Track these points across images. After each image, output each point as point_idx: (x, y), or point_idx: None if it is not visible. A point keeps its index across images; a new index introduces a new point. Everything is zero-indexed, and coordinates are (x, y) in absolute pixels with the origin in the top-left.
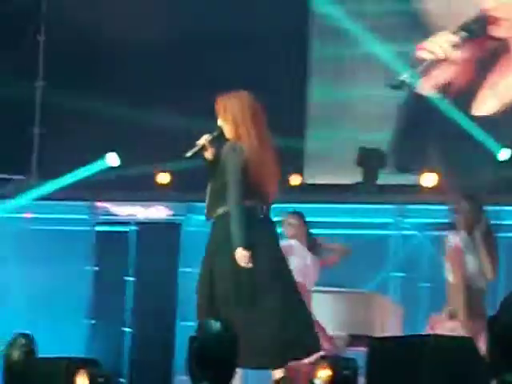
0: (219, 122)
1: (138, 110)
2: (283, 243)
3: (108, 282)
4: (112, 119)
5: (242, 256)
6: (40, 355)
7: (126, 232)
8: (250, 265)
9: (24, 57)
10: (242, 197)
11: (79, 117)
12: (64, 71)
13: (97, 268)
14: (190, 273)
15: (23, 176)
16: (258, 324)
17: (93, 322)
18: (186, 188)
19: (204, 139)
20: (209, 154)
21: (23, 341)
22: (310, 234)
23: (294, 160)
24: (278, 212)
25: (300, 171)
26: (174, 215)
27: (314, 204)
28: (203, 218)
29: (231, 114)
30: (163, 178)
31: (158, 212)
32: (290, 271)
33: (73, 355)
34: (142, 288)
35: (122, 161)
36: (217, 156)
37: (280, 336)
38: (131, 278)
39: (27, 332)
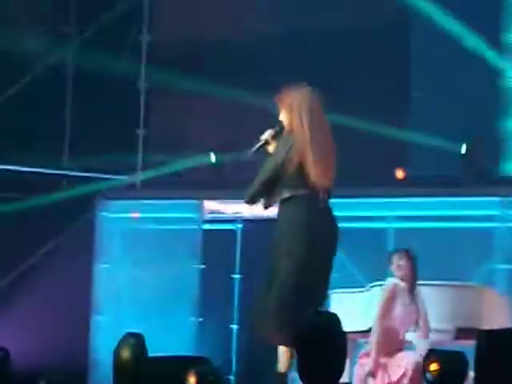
0: (280, 117)
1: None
2: (389, 283)
3: (215, 280)
4: (217, 113)
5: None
6: (150, 354)
7: (232, 230)
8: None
9: (127, 58)
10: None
11: (183, 115)
12: (167, 72)
13: (204, 266)
14: None
15: (129, 176)
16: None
17: (200, 319)
18: None
19: (267, 134)
20: (271, 149)
21: (133, 340)
22: (416, 275)
23: (399, 152)
24: (383, 205)
25: (405, 164)
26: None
27: (418, 198)
28: None
29: (288, 109)
30: None
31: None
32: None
33: (182, 353)
34: (248, 285)
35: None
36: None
37: None
38: (238, 276)
39: (137, 331)
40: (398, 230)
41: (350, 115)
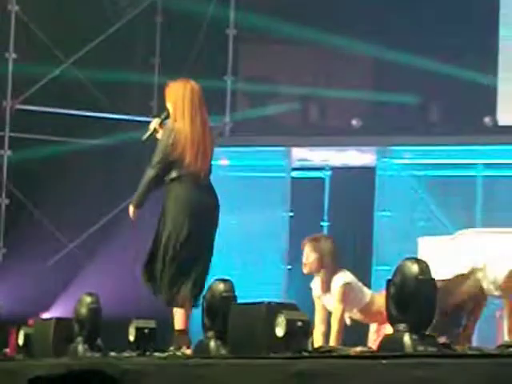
0: (167, 106)
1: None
2: None
3: (303, 228)
4: (305, 59)
5: (130, 212)
6: (239, 301)
7: (320, 177)
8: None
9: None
10: (159, 164)
11: (271, 62)
12: (256, 18)
13: (292, 214)
14: (385, 216)
15: (218, 123)
16: None
17: (289, 267)
18: (379, 132)
19: (154, 123)
20: (159, 135)
21: (223, 286)
22: None
23: (486, 101)
24: (472, 153)
25: (492, 113)
26: (369, 159)
27: (507, 145)
28: (397, 162)
29: (173, 99)
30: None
31: (353, 157)
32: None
33: (271, 300)
34: (337, 233)
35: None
36: None
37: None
38: (326, 223)
39: (226, 278)
40: (486, 178)
41: (438, 62)
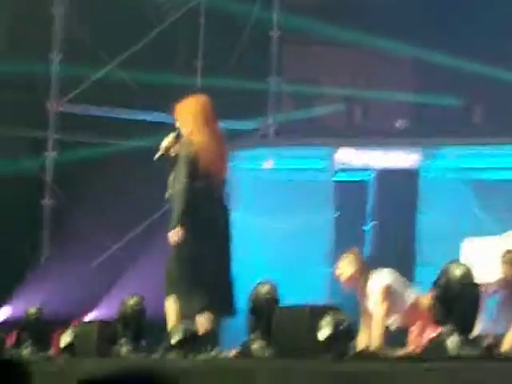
0: (177, 124)
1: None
2: None
3: (347, 230)
4: (349, 60)
5: (173, 234)
6: (282, 303)
7: (364, 179)
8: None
9: (260, 5)
10: (188, 178)
11: (315, 63)
12: (299, 20)
13: (336, 215)
14: (428, 218)
15: (261, 125)
16: None
17: (333, 269)
18: (423, 134)
19: (166, 141)
20: (173, 152)
21: (267, 289)
22: None
23: None
24: None
25: None
26: (413, 161)
27: None
28: (441, 164)
29: (187, 115)
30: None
31: (397, 158)
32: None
33: (314, 303)
34: (381, 234)
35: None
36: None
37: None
38: (370, 225)
39: (271, 280)
40: None
41: (483, 64)
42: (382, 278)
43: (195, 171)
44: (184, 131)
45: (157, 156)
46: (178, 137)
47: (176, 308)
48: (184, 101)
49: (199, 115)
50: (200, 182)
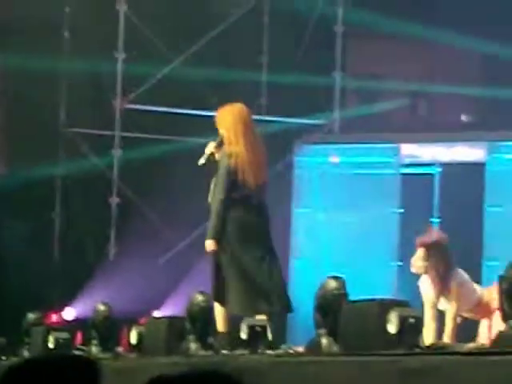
0: (220, 132)
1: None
2: None
3: (414, 224)
4: (414, 55)
5: (207, 245)
6: (350, 297)
7: (430, 173)
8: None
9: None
10: (226, 193)
11: (380, 58)
12: (364, 14)
13: (402, 210)
14: (495, 212)
15: (327, 121)
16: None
17: (400, 263)
18: (489, 128)
19: (211, 147)
20: (218, 156)
21: (335, 283)
22: None
23: None
24: None
25: None
26: (479, 155)
27: None
28: (507, 157)
29: (225, 126)
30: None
31: (463, 152)
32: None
33: (382, 297)
34: (447, 228)
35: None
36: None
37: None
38: (436, 219)
39: (338, 275)
40: None
41: None
42: (458, 276)
43: (234, 183)
44: (225, 139)
45: (201, 161)
46: (221, 143)
47: (224, 313)
48: (222, 110)
49: (237, 125)
50: (238, 192)
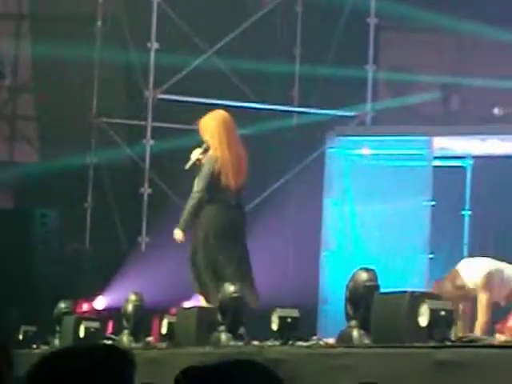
0: (205, 138)
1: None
2: None
3: (445, 217)
4: (447, 47)
5: (175, 234)
6: (383, 289)
7: (462, 166)
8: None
9: None
10: (201, 193)
11: (412, 50)
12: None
13: (434, 202)
14: None
15: (359, 112)
16: None
17: (431, 256)
18: None
19: (197, 153)
20: (201, 163)
21: (366, 275)
22: None
23: None
24: None
25: None
26: (511, 148)
27: None
28: None
29: (210, 132)
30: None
31: (495, 146)
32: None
33: (413, 289)
34: (479, 221)
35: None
36: None
37: None
38: (468, 212)
39: (370, 267)
40: None
41: None
42: (482, 267)
43: (216, 185)
44: (210, 145)
45: (187, 166)
46: (206, 150)
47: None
48: (205, 117)
49: (221, 131)
50: (220, 193)
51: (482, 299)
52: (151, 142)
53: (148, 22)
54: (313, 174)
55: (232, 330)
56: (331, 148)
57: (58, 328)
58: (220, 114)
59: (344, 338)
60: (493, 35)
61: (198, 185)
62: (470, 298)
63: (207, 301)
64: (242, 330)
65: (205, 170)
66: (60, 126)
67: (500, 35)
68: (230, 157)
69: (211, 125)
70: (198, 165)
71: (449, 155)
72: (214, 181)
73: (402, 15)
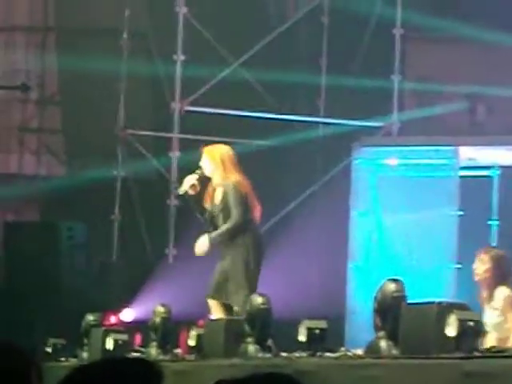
0: (201, 164)
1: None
2: None
3: (472, 226)
4: (473, 56)
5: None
6: (411, 300)
7: (489, 176)
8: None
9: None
10: (242, 216)
11: (439, 60)
12: (422, 16)
13: (461, 212)
14: None
15: (385, 123)
16: None
17: (459, 266)
18: None
19: (192, 179)
20: (194, 190)
21: (394, 286)
22: None
23: None
24: None
25: None
26: None
27: None
28: None
29: (218, 159)
30: None
31: None
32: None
33: (441, 299)
34: (506, 232)
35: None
36: (200, 191)
37: None
38: (495, 222)
39: (398, 278)
40: None
41: None
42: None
43: (248, 206)
44: (214, 173)
45: (181, 191)
46: (200, 178)
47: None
48: (211, 147)
49: (230, 159)
50: (252, 214)
51: (509, 319)
52: (177, 153)
53: (174, 34)
54: (339, 185)
55: (260, 342)
56: (357, 159)
57: (86, 341)
58: (223, 146)
59: (372, 349)
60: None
61: (236, 209)
62: None
63: (221, 308)
64: (269, 342)
65: (233, 195)
66: (86, 139)
67: None
68: (245, 182)
69: (218, 152)
70: (190, 191)
71: (475, 165)
72: (247, 203)
73: (427, 25)
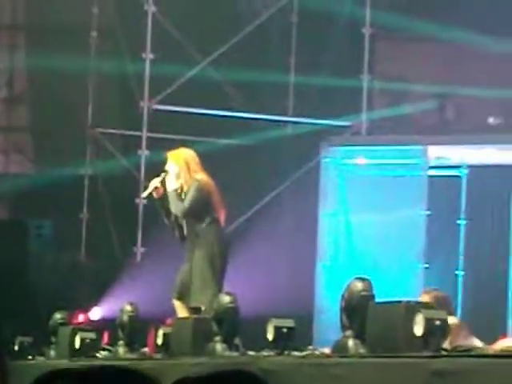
0: (167, 167)
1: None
2: None
3: (440, 226)
4: (440, 56)
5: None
6: (378, 299)
7: (457, 175)
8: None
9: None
10: (186, 213)
11: (406, 60)
12: (391, 16)
13: (429, 212)
14: None
15: (353, 122)
16: None
17: (426, 265)
18: None
19: (157, 182)
20: (157, 193)
21: (361, 285)
22: None
23: None
24: None
25: None
26: (508, 157)
27: None
28: None
29: (183, 160)
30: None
31: (490, 155)
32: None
33: (408, 299)
34: (474, 231)
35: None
36: (165, 193)
37: None
38: (463, 222)
39: (365, 277)
40: None
41: None
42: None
43: (211, 205)
44: (179, 175)
45: (144, 194)
46: (164, 179)
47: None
48: (175, 150)
49: (194, 160)
50: (215, 213)
51: None
52: (146, 152)
53: (143, 33)
54: (308, 184)
55: (227, 341)
56: (326, 158)
57: (53, 339)
58: (190, 150)
59: (339, 348)
60: (487, 45)
61: (184, 205)
62: None
63: (187, 307)
64: (237, 341)
65: (191, 192)
66: (55, 138)
67: (494, 45)
68: (210, 181)
69: (183, 155)
70: (153, 194)
71: (444, 164)
72: (207, 201)
73: (396, 25)
